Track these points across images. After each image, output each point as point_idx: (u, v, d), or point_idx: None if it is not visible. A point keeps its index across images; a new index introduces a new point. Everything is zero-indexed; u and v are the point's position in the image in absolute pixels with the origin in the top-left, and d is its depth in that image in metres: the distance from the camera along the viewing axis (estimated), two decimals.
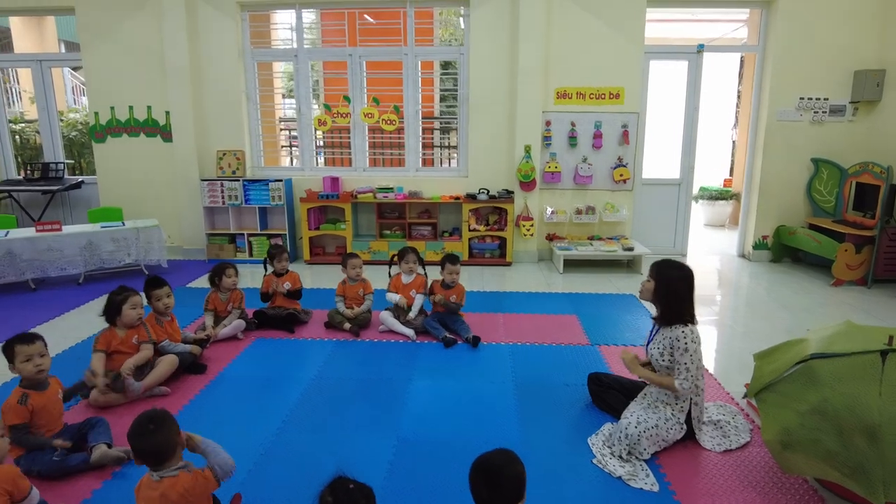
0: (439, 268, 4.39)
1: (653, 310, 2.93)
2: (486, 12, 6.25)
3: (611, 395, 3.12)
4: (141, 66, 6.57)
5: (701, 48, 6.44)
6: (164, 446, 2.00)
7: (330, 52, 6.89)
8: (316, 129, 6.76)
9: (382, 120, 6.51)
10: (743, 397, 3.15)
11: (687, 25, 9.52)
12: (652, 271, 2.85)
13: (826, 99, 6.19)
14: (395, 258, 4.54)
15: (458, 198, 6.44)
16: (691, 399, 2.82)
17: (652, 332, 2.94)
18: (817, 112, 6.22)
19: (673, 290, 2.78)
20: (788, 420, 2.33)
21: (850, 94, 6.14)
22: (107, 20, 6.47)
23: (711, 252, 7.19)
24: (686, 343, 2.70)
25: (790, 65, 6.17)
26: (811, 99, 6.20)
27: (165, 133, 6.71)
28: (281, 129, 8.58)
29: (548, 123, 6.39)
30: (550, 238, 6.62)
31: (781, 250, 6.57)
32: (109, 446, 2.70)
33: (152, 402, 3.29)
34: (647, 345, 2.94)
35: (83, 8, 6.46)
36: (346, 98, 6.61)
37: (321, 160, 7.29)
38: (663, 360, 2.80)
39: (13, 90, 8.12)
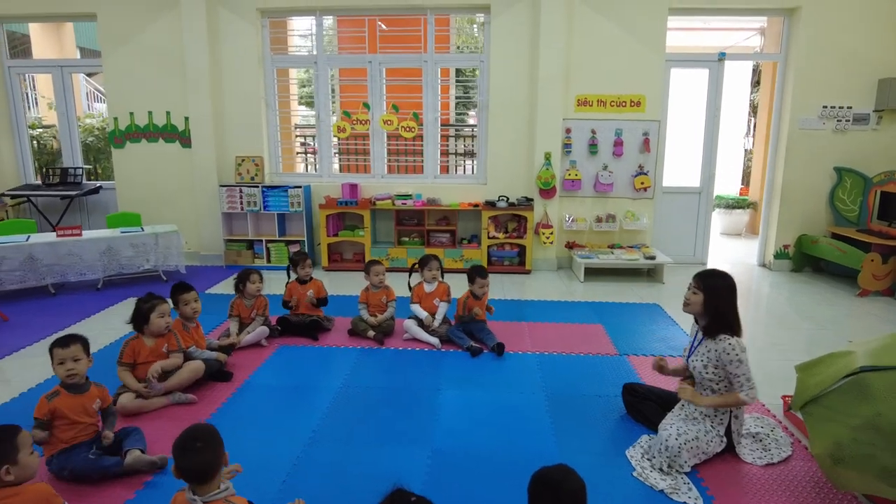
0: (467, 280, 4.35)
1: (686, 320, 2.88)
2: (507, 20, 6.25)
3: (647, 406, 3.07)
4: (160, 72, 6.59)
5: (722, 56, 6.41)
6: (209, 466, 1.93)
7: (350, 58, 6.89)
8: (335, 136, 6.74)
9: (402, 127, 6.50)
10: (787, 410, 3.09)
11: (700, 34, 9.49)
12: (698, 283, 2.80)
13: (849, 107, 6.14)
14: (416, 266, 4.50)
15: (476, 205, 6.41)
16: (731, 412, 2.76)
17: (693, 343, 2.89)
18: (840, 120, 6.17)
19: (720, 300, 2.73)
20: (839, 434, 2.27)
21: (874, 103, 6.09)
22: (127, 26, 6.50)
23: (730, 261, 7.12)
24: (737, 354, 2.65)
25: (812, 73, 6.13)
26: (834, 107, 6.16)
27: (184, 138, 6.72)
28: (296, 136, 8.58)
29: (568, 131, 6.37)
30: (570, 246, 6.58)
31: (803, 260, 6.50)
32: (143, 452, 2.68)
33: (180, 409, 3.26)
34: (689, 357, 2.89)
35: (105, 14, 6.49)
36: (366, 105, 6.60)
37: (336, 167, 7.27)
38: (707, 373, 2.75)
39: (30, 96, 8.15)
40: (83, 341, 2.73)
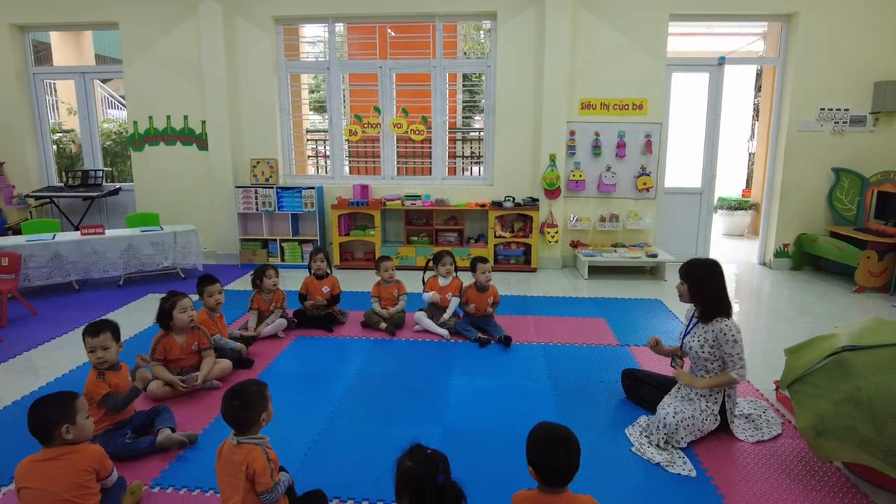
0: (470, 273, 4.56)
1: (680, 311, 3.07)
2: (513, 26, 6.46)
3: (645, 390, 3.25)
4: (178, 78, 6.83)
5: (722, 61, 6.60)
6: (243, 420, 2.16)
7: (361, 64, 7.12)
8: (347, 139, 6.97)
9: (411, 130, 6.72)
10: (775, 389, 3.27)
11: (703, 39, 9.67)
12: (682, 274, 3.01)
13: (847, 110, 6.31)
14: (430, 262, 4.70)
15: (483, 205, 6.61)
16: (724, 391, 2.95)
17: (689, 325, 3.08)
18: (838, 122, 6.34)
19: (705, 285, 2.92)
20: (822, 408, 2.45)
21: (870, 105, 6.26)
22: (148, 34, 6.75)
23: (732, 260, 7.28)
24: (733, 335, 2.85)
25: (811, 76, 6.31)
26: (832, 110, 6.33)
27: (201, 141, 6.96)
28: (307, 140, 8.81)
29: (572, 133, 6.57)
30: (574, 245, 6.77)
31: (802, 258, 6.67)
32: (173, 430, 2.88)
33: (206, 393, 3.47)
34: (684, 337, 3.08)
35: (126, 23, 6.75)
36: (377, 109, 6.83)
37: (346, 169, 7.49)
38: (703, 352, 2.93)
39: (51, 102, 8.42)
40: (112, 329, 2.90)
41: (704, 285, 2.93)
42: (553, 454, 1.85)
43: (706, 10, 6.37)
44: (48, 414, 2.12)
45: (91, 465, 2.17)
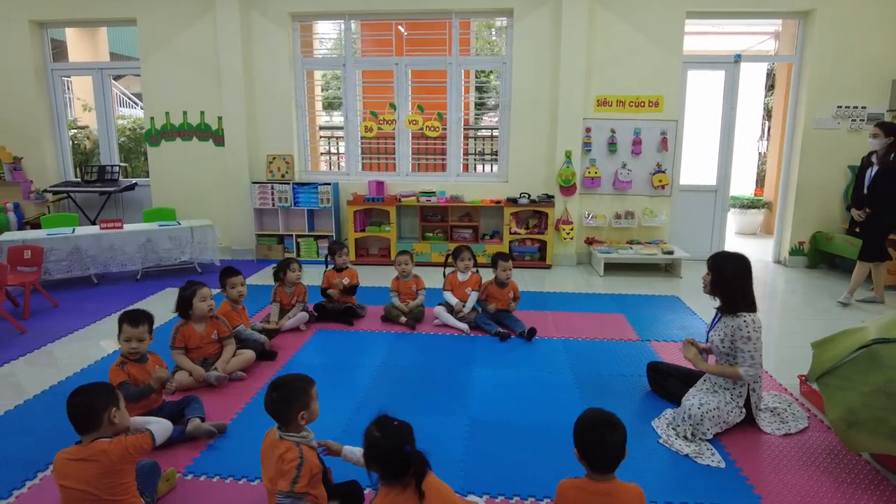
0: (492, 268, 4.58)
1: (704, 304, 3.08)
2: (530, 23, 6.47)
3: (670, 383, 3.27)
4: (195, 74, 6.87)
5: (738, 58, 6.60)
6: (280, 413, 2.16)
7: (377, 61, 7.14)
8: (362, 135, 6.99)
9: (426, 127, 6.74)
10: (805, 382, 3.27)
11: (715, 38, 9.66)
12: (708, 264, 3.02)
13: (864, 107, 6.30)
14: (450, 258, 4.73)
15: (498, 202, 6.63)
16: (749, 385, 2.96)
17: (714, 319, 3.10)
18: (855, 120, 6.33)
19: (729, 279, 2.94)
20: (853, 401, 2.46)
21: (888, 103, 6.25)
22: (165, 30, 6.80)
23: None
24: (749, 332, 2.85)
25: (827, 74, 6.30)
26: (848, 107, 6.32)
27: (217, 137, 7.00)
28: (320, 136, 8.85)
29: (588, 130, 6.58)
30: (589, 242, 6.78)
31: (818, 256, 6.65)
32: (202, 420, 2.91)
33: (232, 383, 3.50)
34: (709, 331, 3.09)
35: (144, 20, 6.79)
36: (392, 105, 6.85)
37: (360, 165, 7.52)
38: (723, 347, 2.94)
39: (66, 98, 8.48)
40: (150, 321, 2.94)
41: (728, 278, 2.94)
42: (601, 440, 1.87)
43: (723, 7, 6.37)
44: (94, 400, 2.10)
45: (122, 464, 2.11)
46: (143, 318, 2.90)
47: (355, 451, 2.32)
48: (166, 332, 3.58)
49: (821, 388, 2.69)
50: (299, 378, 2.25)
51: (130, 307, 5.01)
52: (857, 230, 5.37)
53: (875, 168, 5.05)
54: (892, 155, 4.92)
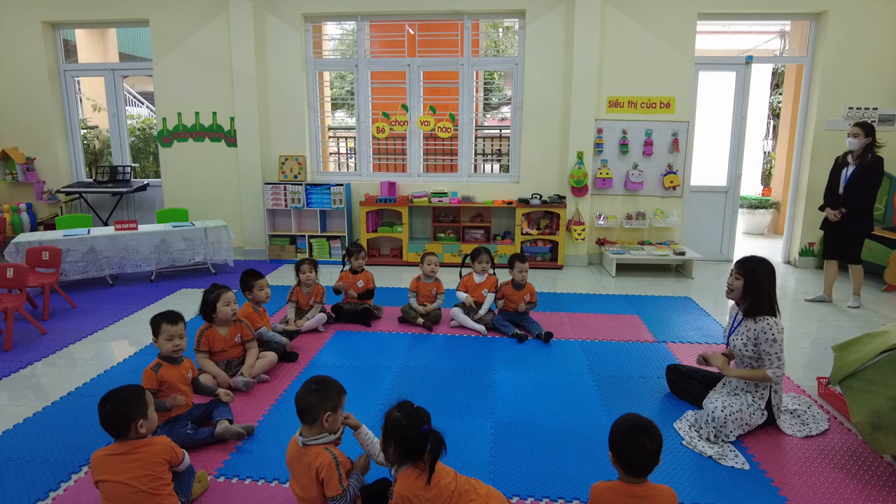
0: (508, 269, 4.61)
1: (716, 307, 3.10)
2: (542, 24, 6.50)
3: (691, 385, 3.30)
4: (208, 75, 6.90)
5: (750, 59, 6.61)
6: (305, 413, 2.21)
7: (389, 61, 7.16)
8: (375, 136, 7.02)
9: (438, 128, 6.77)
10: (826, 384, 3.30)
11: (722, 38, 9.67)
12: (739, 268, 3.03)
13: (875, 108, 6.32)
14: (468, 259, 4.75)
15: (510, 202, 6.66)
16: (771, 387, 2.99)
17: (733, 323, 3.12)
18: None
19: (760, 283, 2.96)
20: (879, 403, 2.50)
21: None
22: (178, 31, 6.82)
23: None
24: (773, 334, 2.88)
25: (839, 75, 6.31)
26: (860, 108, 6.34)
27: (230, 138, 7.03)
28: (329, 137, 8.88)
29: (600, 131, 6.60)
30: (601, 243, 6.81)
31: None
32: (231, 422, 2.95)
33: (258, 386, 3.54)
34: (729, 336, 3.12)
35: (157, 20, 6.82)
36: (404, 106, 6.88)
37: (371, 166, 7.55)
38: (746, 350, 2.97)
39: (77, 98, 8.50)
40: (184, 319, 2.98)
41: (759, 282, 2.96)
42: (637, 444, 1.90)
43: (735, 8, 6.38)
44: (122, 410, 2.17)
45: (163, 457, 2.22)
46: (180, 316, 2.95)
47: (370, 435, 2.40)
48: (189, 335, 3.61)
49: (844, 392, 2.72)
50: (337, 383, 2.31)
51: (153, 309, 5.11)
52: (824, 230, 5.38)
53: (851, 168, 5.07)
54: (869, 155, 4.95)
